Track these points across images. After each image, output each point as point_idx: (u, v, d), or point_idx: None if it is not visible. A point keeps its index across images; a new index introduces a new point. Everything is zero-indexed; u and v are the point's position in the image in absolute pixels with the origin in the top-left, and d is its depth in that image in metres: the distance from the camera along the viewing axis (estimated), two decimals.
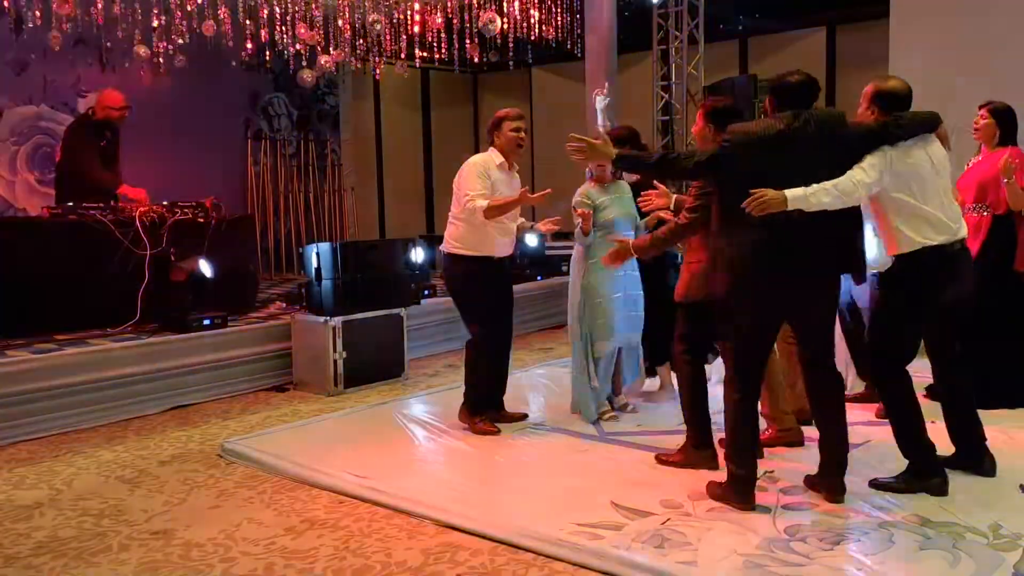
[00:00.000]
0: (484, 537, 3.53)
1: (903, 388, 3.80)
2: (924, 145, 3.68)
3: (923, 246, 3.65)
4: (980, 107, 4.98)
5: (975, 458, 3.99)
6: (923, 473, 3.79)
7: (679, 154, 3.76)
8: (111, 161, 7.11)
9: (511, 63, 10.07)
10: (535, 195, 4.73)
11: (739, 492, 3.66)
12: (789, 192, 3.41)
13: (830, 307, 3.80)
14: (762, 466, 4.16)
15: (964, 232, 3.79)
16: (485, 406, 5.02)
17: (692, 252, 4.27)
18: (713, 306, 3.94)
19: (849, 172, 3.53)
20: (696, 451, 4.23)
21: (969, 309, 4.09)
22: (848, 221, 3.63)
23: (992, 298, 4.91)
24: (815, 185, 3.45)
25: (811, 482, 3.85)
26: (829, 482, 3.75)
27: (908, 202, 3.63)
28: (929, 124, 3.70)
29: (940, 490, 3.73)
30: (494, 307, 4.98)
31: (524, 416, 5.19)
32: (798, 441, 4.51)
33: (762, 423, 4.58)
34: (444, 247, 4.96)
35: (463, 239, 4.85)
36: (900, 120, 3.62)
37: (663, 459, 4.32)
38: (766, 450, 4.36)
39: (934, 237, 3.66)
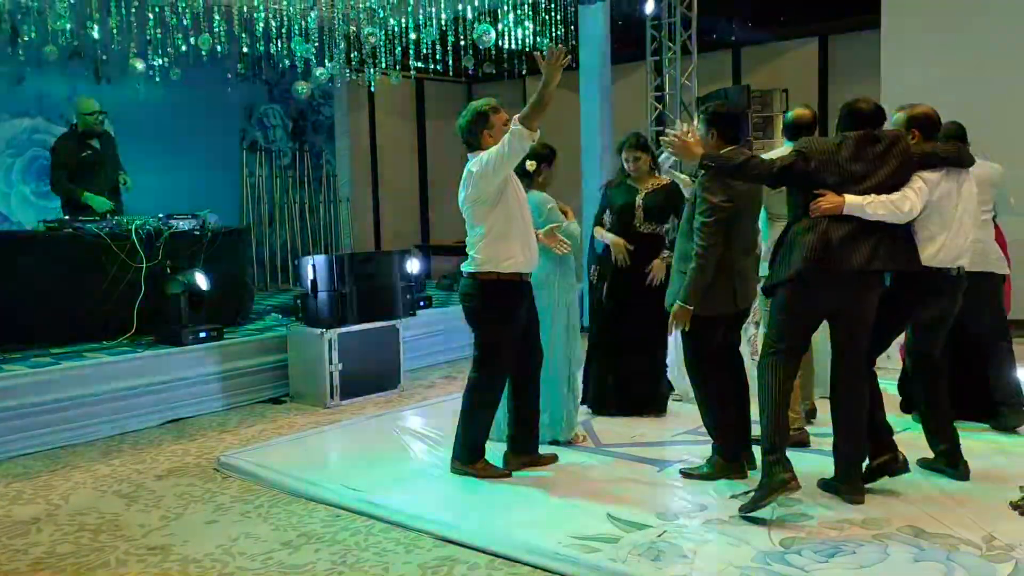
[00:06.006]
0: (481, 551, 3.54)
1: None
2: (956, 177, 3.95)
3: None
4: None
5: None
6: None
7: (761, 159, 3.93)
8: (97, 170, 7.14)
9: (505, 73, 10.10)
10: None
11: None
12: (848, 198, 3.69)
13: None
14: (757, 477, 4.19)
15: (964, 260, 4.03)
16: (482, 450, 4.44)
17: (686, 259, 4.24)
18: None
19: (905, 191, 3.75)
20: (724, 462, 4.23)
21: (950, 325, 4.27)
22: None
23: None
24: (873, 195, 3.70)
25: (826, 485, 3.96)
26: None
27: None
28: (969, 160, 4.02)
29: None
30: (518, 340, 4.34)
31: (555, 458, 4.60)
32: (803, 442, 4.52)
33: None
34: (467, 268, 4.28)
35: (487, 254, 4.17)
36: (961, 149, 3.98)
37: (689, 473, 4.30)
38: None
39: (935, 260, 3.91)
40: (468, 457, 4.41)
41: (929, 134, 3.99)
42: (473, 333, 4.38)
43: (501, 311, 4.25)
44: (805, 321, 3.87)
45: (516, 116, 3.99)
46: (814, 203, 3.73)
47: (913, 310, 4.02)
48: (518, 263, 4.21)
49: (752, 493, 3.79)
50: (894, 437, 4.08)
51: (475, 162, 4.15)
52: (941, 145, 3.97)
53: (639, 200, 5.22)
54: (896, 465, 3.96)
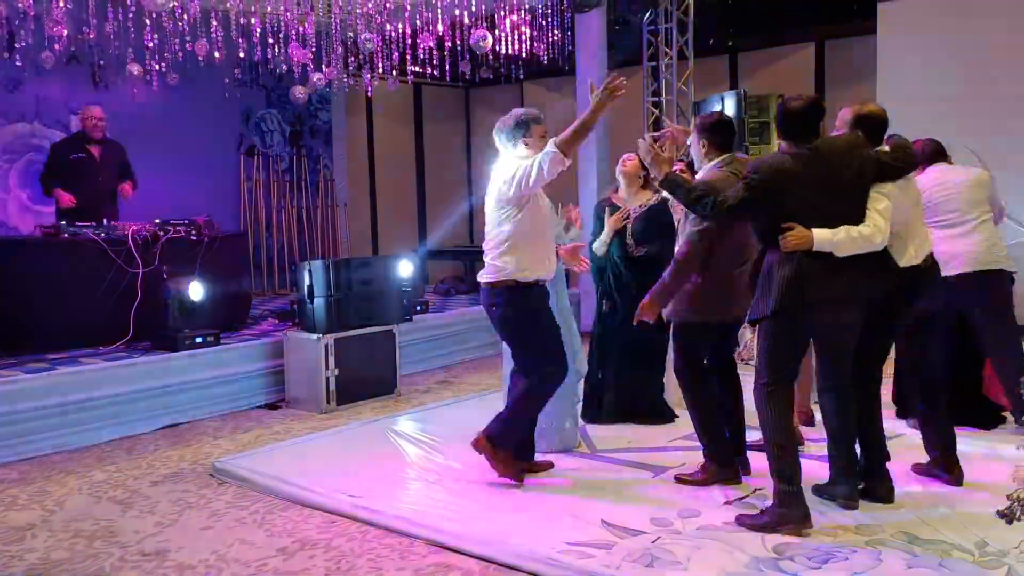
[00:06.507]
0: (475, 556, 3.55)
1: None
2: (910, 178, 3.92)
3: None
4: None
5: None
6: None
7: (715, 198, 3.71)
8: (90, 175, 7.29)
9: (502, 78, 10.13)
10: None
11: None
12: (817, 234, 3.56)
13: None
14: (751, 483, 4.20)
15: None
16: (514, 445, 4.43)
17: None
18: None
19: (869, 218, 3.65)
20: (717, 467, 4.24)
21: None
22: None
23: None
24: (842, 229, 3.58)
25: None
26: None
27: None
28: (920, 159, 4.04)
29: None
30: (556, 331, 4.37)
31: (551, 465, 4.63)
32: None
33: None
34: (485, 277, 4.27)
35: (505, 261, 4.18)
36: (909, 152, 3.89)
37: (683, 479, 4.31)
38: (754, 462, 4.39)
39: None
40: (500, 442, 4.32)
41: (875, 136, 3.89)
42: (509, 341, 4.38)
43: (529, 312, 4.25)
44: (790, 350, 3.80)
45: (554, 139, 4.01)
46: (782, 238, 3.59)
47: (898, 312, 3.98)
48: (536, 271, 4.22)
49: (757, 506, 3.80)
50: (890, 440, 4.09)
51: (502, 171, 4.18)
52: (891, 153, 3.84)
53: (629, 227, 5.31)
54: (883, 493, 3.94)
